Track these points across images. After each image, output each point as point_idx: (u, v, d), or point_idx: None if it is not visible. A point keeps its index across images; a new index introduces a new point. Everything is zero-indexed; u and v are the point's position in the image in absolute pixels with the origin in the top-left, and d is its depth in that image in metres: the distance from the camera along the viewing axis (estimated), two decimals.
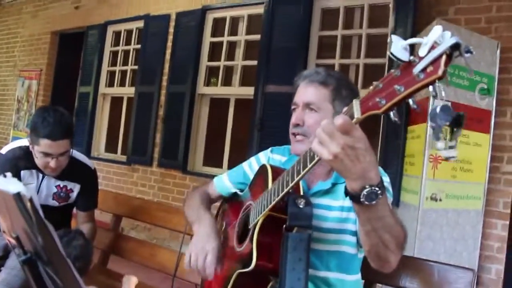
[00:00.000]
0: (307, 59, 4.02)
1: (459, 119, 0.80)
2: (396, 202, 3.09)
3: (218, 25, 4.90)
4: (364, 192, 0.96)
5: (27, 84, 6.91)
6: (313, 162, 1.02)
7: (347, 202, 1.35)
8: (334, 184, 1.39)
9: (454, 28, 2.87)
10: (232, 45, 4.81)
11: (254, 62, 4.40)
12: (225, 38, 4.78)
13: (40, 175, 2.09)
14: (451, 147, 0.81)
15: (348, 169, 0.94)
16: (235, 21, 4.80)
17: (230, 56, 4.80)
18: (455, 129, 0.81)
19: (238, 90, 4.66)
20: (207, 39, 4.88)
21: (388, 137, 3.33)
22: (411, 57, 0.81)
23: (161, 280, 2.49)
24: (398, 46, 0.82)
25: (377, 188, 0.96)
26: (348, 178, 0.97)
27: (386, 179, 1.36)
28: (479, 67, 2.99)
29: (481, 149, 3.02)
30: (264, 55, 4.22)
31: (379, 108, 0.86)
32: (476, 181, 3.02)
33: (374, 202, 0.97)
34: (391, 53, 0.82)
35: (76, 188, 2.17)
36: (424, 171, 2.82)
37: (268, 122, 4.07)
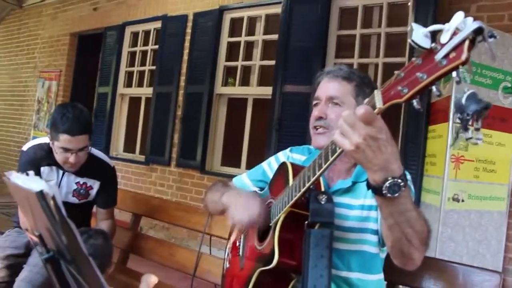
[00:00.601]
0: (325, 59, 3.98)
1: (487, 107, 0.79)
2: (417, 202, 3.05)
3: (236, 25, 4.90)
4: (387, 184, 0.94)
5: (47, 85, 7.02)
6: (335, 155, 1.00)
7: (368, 201, 1.34)
8: (354, 183, 1.37)
9: None
10: (249, 45, 4.80)
11: (272, 62, 4.39)
12: (243, 38, 4.78)
13: (61, 172, 2.11)
14: (477, 129, 0.80)
15: (370, 160, 0.92)
16: (252, 21, 4.80)
17: (248, 56, 4.79)
18: (481, 116, 0.80)
19: (256, 90, 4.65)
20: (225, 39, 4.88)
21: (408, 137, 3.28)
22: (433, 44, 0.80)
23: (179, 279, 2.50)
24: (419, 34, 0.81)
25: (399, 180, 0.94)
26: (370, 170, 0.95)
27: (408, 177, 1.34)
28: (503, 65, 2.93)
29: (504, 149, 2.95)
30: (282, 55, 4.21)
31: (401, 96, 0.85)
32: (499, 181, 2.95)
33: (396, 194, 0.95)
34: (412, 41, 0.81)
35: (95, 185, 2.19)
36: (445, 171, 2.77)
37: (286, 122, 4.05)
